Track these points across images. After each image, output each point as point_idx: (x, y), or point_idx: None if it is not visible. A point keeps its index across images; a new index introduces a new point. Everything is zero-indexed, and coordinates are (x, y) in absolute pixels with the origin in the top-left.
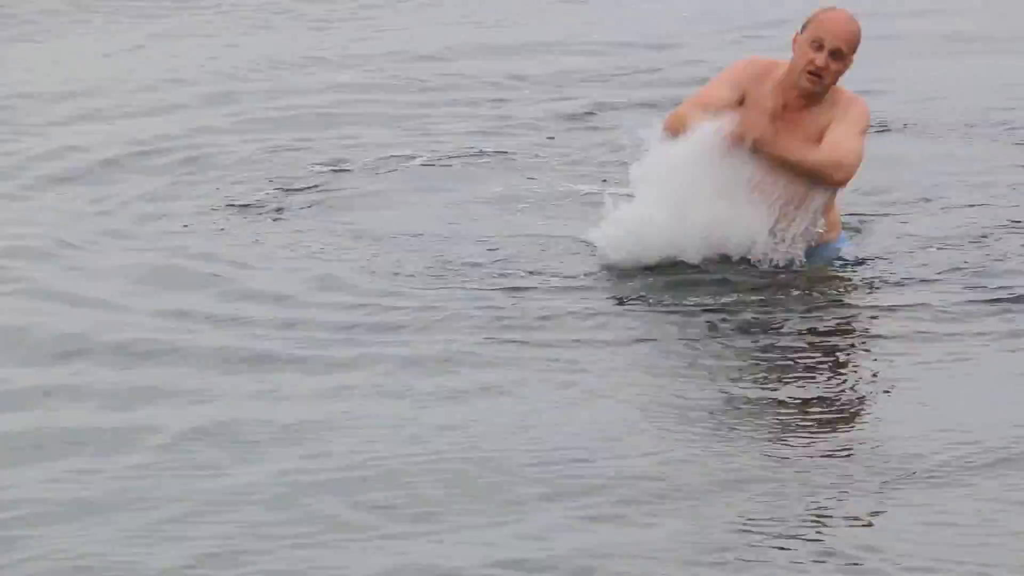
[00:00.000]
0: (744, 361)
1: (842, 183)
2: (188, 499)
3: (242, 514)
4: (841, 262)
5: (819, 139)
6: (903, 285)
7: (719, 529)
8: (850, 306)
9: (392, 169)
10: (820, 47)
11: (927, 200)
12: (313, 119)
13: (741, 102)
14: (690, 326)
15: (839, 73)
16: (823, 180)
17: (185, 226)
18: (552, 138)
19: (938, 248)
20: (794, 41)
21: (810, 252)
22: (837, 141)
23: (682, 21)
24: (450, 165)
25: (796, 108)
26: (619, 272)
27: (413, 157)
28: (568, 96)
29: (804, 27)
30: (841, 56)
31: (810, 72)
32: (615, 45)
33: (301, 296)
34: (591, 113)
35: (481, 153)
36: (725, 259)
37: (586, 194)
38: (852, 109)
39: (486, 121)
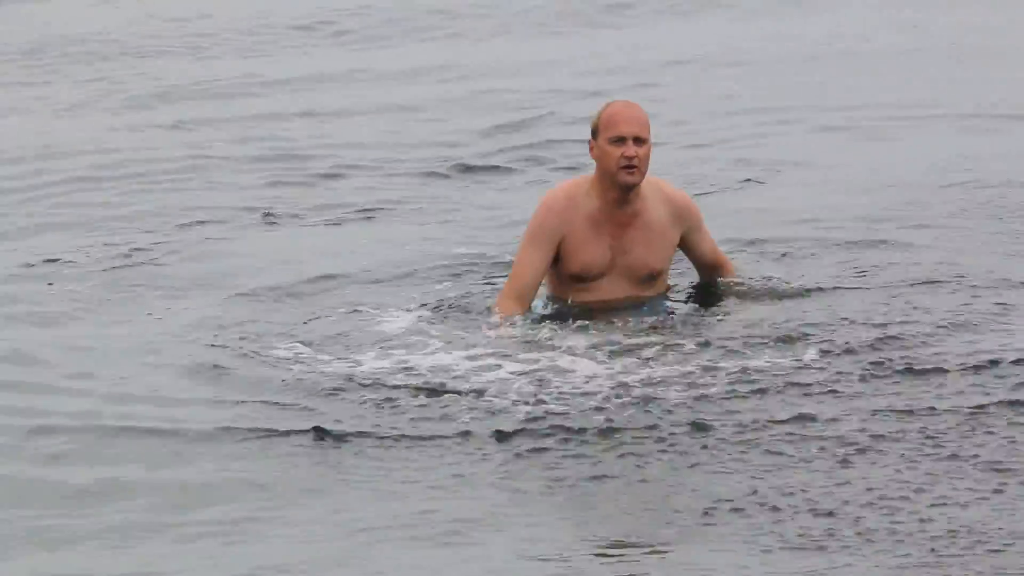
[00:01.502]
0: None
1: None
2: None
3: None
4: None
5: (663, 234)
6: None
7: None
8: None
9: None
10: (622, 141)
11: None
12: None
13: (560, 244)
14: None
15: (647, 158)
16: None
17: None
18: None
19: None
20: (591, 149)
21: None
22: (714, 251)
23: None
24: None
25: (627, 212)
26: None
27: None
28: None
29: (595, 133)
30: (643, 141)
31: (624, 167)
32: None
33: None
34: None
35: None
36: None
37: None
38: (694, 213)
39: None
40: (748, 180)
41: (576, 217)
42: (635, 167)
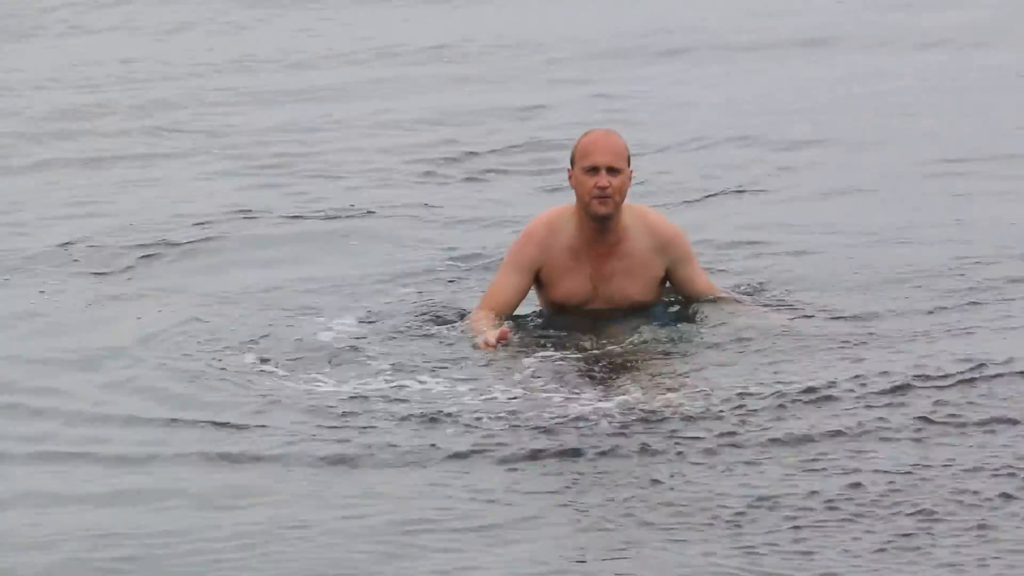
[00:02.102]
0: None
1: None
2: None
3: None
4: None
5: (644, 266)
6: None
7: None
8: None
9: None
10: (596, 170)
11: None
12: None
13: (537, 277)
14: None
15: (624, 187)
16: None
17: None
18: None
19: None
20: (570, 178)
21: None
22: (707, 286)
23: None
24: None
25: (607, 242)
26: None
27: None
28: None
29: (572, 162)
30: (617, 171)
31: (596, 198)
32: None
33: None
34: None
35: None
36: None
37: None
38: (679, 245)
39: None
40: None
41: (556, 246)
42: (608, 197)
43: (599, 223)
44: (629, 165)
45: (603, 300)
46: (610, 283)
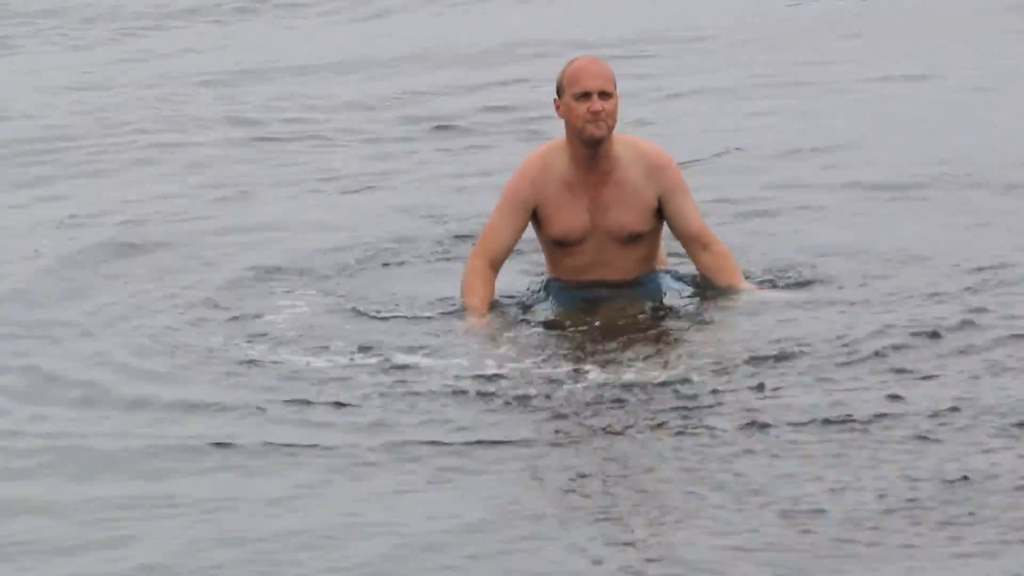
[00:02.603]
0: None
1: None
2: None
3: None
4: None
5: (637, 194)
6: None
7: None
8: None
9: None
10: (587, 95)
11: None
12: None
13: (535, 214)
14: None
15: (616, 111)
16: None
17: None
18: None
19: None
20: (557, 108)
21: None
22: (700, 226)
23: None
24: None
25: (600, 170)
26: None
27: None
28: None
29: (559, 91)
30: (609, 95)
31: (590, 122)
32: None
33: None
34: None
35: None
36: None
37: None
38: (671, 173)
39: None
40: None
41: (550, 182)
42: (601, 120)
43: (592, 148)
44: (616, 90)
45: (602, 232)
46: (607, 214)
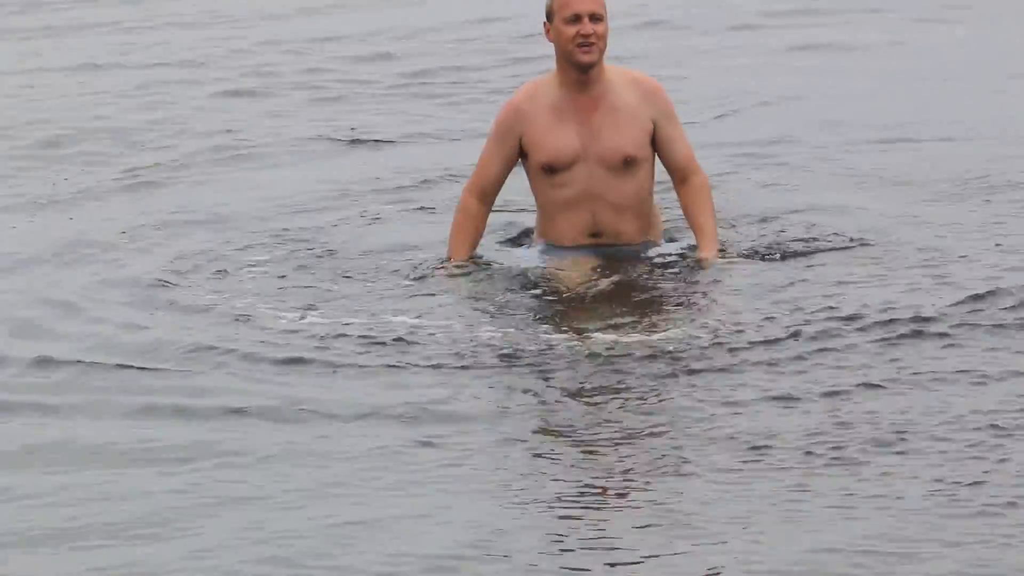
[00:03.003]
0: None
1: None
2: None
3: None
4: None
5: (632, 116)
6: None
7: None
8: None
9: None
10: (578, 19)
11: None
12: None
13: (522, 140)
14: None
15: (606, 34)
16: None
17: None
18: None
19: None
20: (547, 32)
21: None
22: (688, 156)
23: None
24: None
25: (591, 94)
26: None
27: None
28: None
29: (549, 16)
30: (600, 18)
31: (580, 45)
32: None
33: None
34: None
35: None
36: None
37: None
38: (663, 98)
39: None
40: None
41: (537, 109)
42: (592, 44)
43: (582, 73)
44: (607, 14)
45: (594, 157)
46: (599, 138)
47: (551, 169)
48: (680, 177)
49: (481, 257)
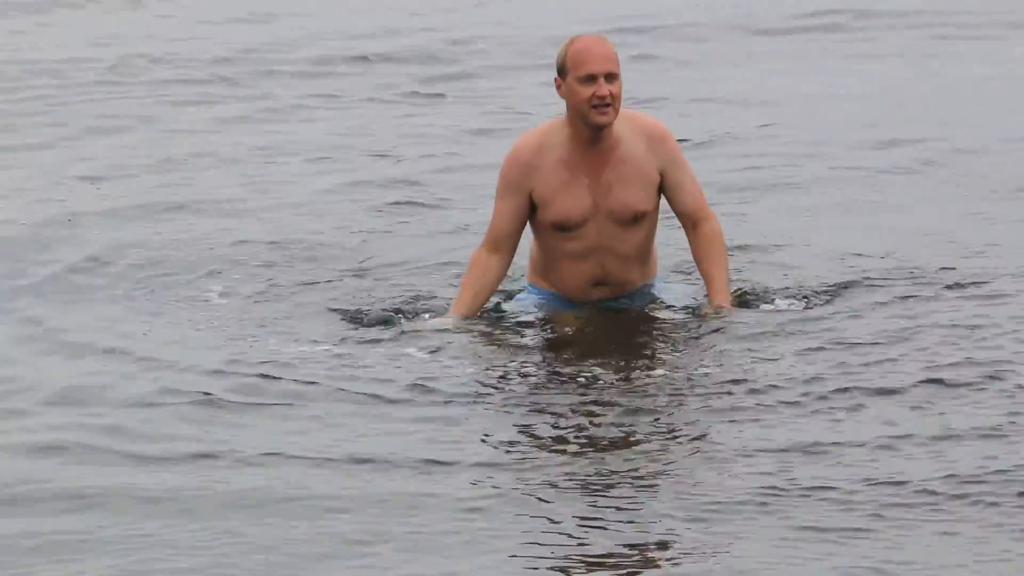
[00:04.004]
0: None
1: None
2: None
3: None
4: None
5: (642, 171)
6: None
7: None
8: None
9: None
10: (593, 79)
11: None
12: None
13: (532, 195)
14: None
15: (620, 94)
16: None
17: None
18: None
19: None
20: (559, 88)
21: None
22: (698, 201)
23: None
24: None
25: (602, 150)
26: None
27: None
28: None
29: (562, 71)
30: (615, 76)
31: (596, 107)
32: None
33: None
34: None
35: None
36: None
37: None
38: (670, 144)
39: None
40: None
41: (546, 164)
42: (608, 106)
43: (596, 132)
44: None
45: (605, 214)
46: (609, 194)
47: (561, 228)
48: (690, 223)
49: (487, 311)
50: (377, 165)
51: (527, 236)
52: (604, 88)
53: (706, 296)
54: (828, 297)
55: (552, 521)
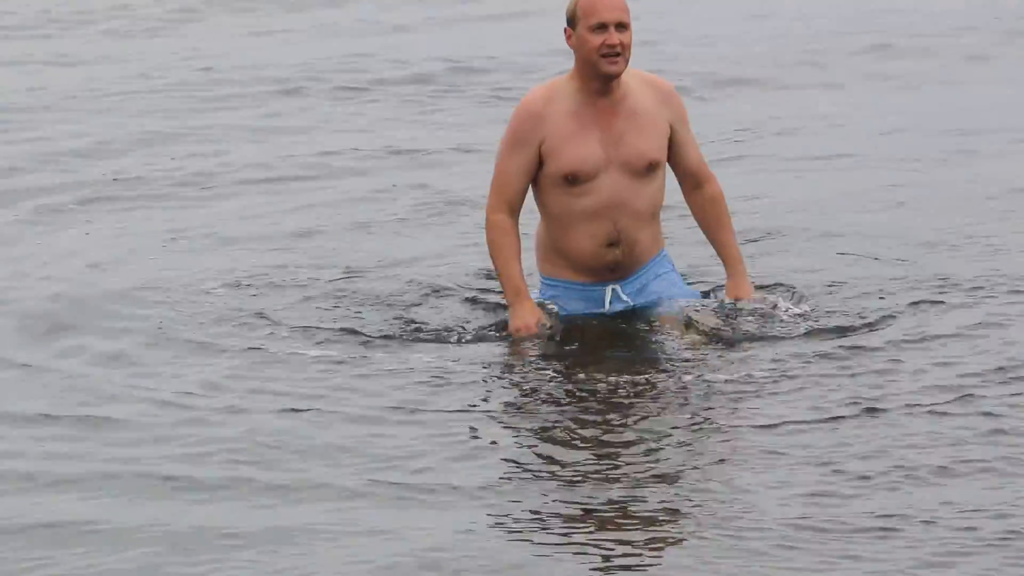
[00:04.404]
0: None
1: None
2: None
3: None
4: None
5: (652, 120)
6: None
7: None
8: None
9: None
10: (604, 27)
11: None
12: None
13: (541, 147)
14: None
15: (631, 44)
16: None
17: None
18: None
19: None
20: (568, 38)
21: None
22: (701, 161)
23: None
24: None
25: (611, 100)
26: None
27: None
28: None
29: (572, 21)
30: (626, 26)
31: (606, 56)
32: None
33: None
34: None
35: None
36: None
37: None
38: (678, 101)
39: None
40: None
41: (556, 115)
42: (618, 55)
43: (606, 83)
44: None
45: (618, 164)
46: (621, 144)
47: (573, 179)
48: (693, 183)
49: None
50: (391, 168)
51: (531, 227)
52: (615, 37)
53: (721, 288)
54: (839, 301)
55: (563, 536)
